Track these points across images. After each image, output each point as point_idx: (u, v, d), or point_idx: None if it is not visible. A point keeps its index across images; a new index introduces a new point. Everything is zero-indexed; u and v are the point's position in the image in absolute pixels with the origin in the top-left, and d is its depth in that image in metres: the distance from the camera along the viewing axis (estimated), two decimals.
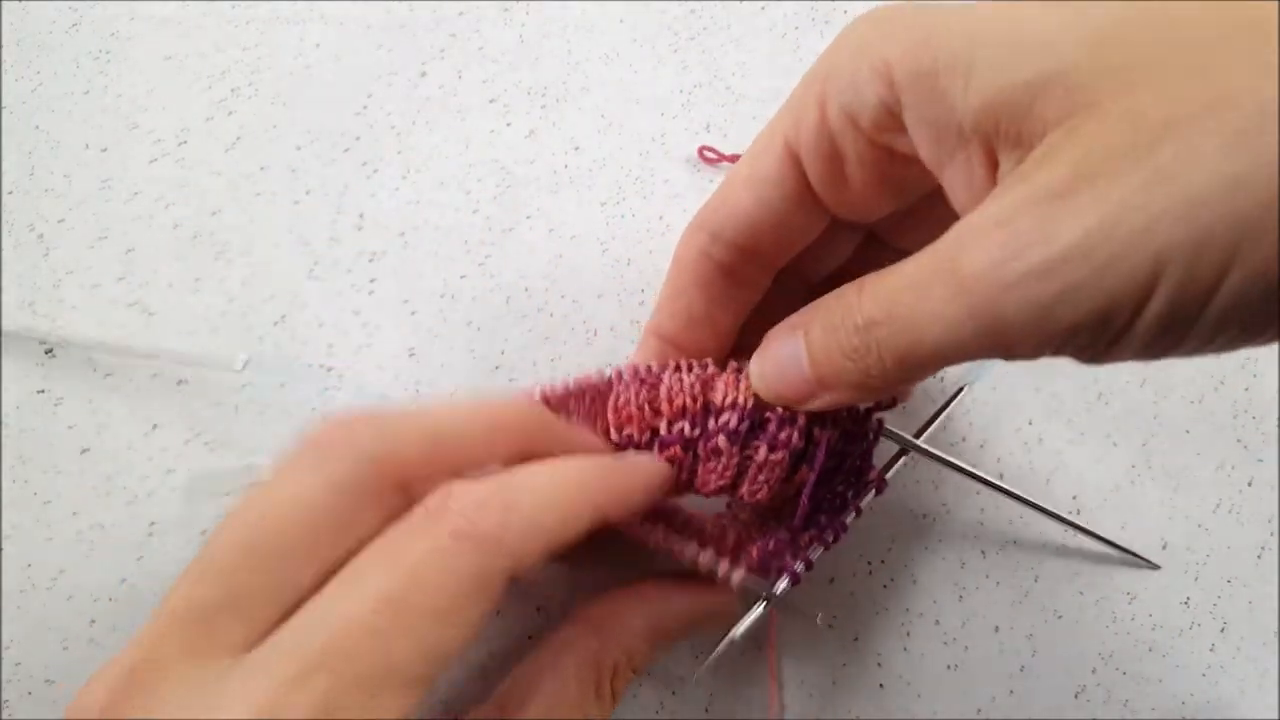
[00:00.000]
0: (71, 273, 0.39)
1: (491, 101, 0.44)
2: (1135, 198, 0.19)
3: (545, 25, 0.47)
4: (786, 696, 0.35)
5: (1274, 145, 0.17)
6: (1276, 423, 0.41)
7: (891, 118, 0.24)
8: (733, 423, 0.29)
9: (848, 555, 0.37)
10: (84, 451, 0.36)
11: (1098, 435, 0.40)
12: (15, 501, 0.35)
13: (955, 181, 0.24)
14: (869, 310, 0.24)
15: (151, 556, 0.34)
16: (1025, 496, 0.35)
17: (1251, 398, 0.41)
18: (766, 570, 0.30)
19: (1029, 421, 0.40)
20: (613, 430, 0.30)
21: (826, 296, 0.26)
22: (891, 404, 0.32)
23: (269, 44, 0.45)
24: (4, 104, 0.42)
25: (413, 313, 0.39)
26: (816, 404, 0.27)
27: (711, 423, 0.29)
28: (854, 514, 0.31)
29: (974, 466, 0.35)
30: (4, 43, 0.44)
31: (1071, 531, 0.37)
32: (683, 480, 0.30)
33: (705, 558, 0.29)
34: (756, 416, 0.29)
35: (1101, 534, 0.37)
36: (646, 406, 0.30)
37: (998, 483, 0.35)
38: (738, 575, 0.29)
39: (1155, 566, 0.38)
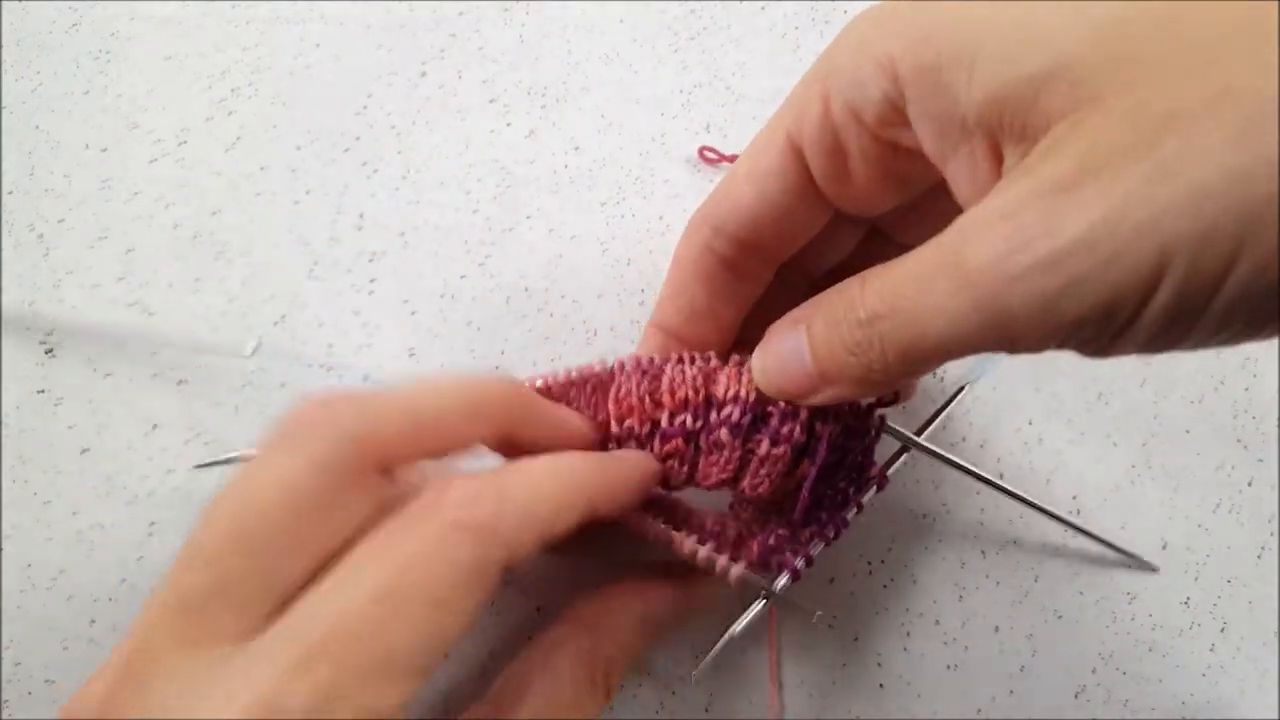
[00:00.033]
0: (71, 273, 0.39)
1: (491, 101, 0.44)
2: (1140, 191, 0.19)
3: (545, 25, 0.47)
4: (786, 696, 0.35)
5: (1275, 141, 0.17)
6: (1276, 423, 0.41)
7: (895, 112, 0.24)
8: (735, 416, 0.29)
9: (848, 555, 0.37)
10: (84, 451, 0.36)
11: (1098, 435, 0.40)
12: (15, 501, 0.35)
13: (959, 175, 0.24)
14: (872, 304, 0.24)
15: (151, 556, 0.34)
16: (1025, 496, 0.35)
17: (1251, 398, 0.41)
18: (767, 565, 0.30)
19: (1029, 421, 0.40)
20: (613, 421, 0.30)
21: (829, 290, 0.26)
22: (894, 400, 0.32)
23: (269, 44, 0.45)
24: (4, 104, 0.42)
25: (413, 313, 0.39)
26: (819, 398, 0.27)
27: (713, 415, 0.29)
28: (855, 510, 0.31)
29: (974, 466, 0.35)
30: (4, 43, 0.44)
31: (1071, 532, 0.37)
32: (684, 473, 0.30)
33: (705, 552, 0.29)
34: (759, 410, 0.29)
35: (1101, 535, 0.37)
36: (648, 398, 0.30)
37: (998, 482, 0.35)
38: (737, 570, 0.29)
39: (1154, 569, 0.38)
